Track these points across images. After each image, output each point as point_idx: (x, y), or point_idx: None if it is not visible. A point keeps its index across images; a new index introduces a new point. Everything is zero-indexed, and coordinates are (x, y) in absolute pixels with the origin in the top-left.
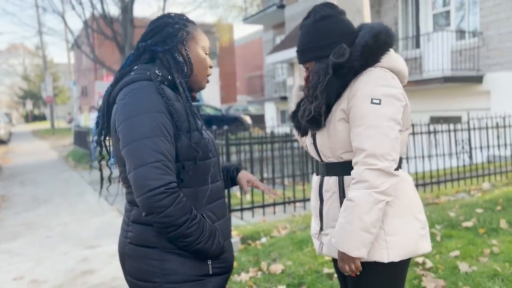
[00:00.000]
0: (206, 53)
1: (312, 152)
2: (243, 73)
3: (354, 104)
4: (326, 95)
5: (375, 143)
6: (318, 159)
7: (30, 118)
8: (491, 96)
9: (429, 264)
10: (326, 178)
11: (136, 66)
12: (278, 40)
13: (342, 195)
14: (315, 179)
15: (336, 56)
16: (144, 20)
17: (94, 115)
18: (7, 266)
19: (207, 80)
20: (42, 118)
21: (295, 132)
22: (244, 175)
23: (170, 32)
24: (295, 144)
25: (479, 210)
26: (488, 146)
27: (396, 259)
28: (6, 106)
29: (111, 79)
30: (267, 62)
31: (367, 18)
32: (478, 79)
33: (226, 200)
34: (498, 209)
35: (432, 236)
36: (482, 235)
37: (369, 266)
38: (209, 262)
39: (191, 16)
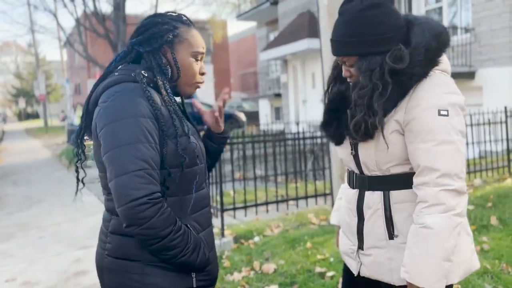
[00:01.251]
0: (198, 59)
1: (350, 164)
2: (237, 69)
3: (417, 117)
4: (383, 106)
5: (449, 161)
6: (357, 171)
7: (23, 116)
8: (483, 92)
9: None
10: (367, 193)
11: (121, 66)
12: (272, 36)
13: (388, 213)
14: (350, 193)
15: (393, 59)
16: (137, 17)
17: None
18: None
19: (196, 86)
20: (35, 116)
21: (329, 140)
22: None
23: (155, 32)
24: (288, 142)
25: (470, 207)
26: (479, 142)
27: (456, 281)
28: None
29: None
30: (260, 59)
31: None
32: (470, 75)
33: (219, 198)
34: (489, 206)
35: None
36: (473, 232)
37: None
38: (193, 275)
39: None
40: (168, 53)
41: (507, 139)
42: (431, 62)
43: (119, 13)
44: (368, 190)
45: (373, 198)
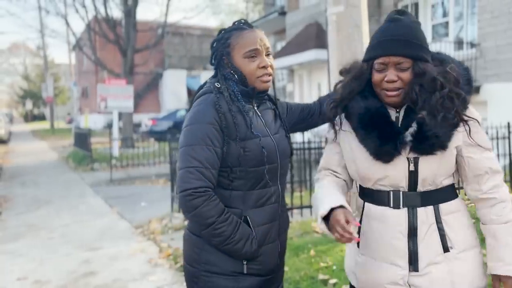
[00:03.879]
0: (253, 56)
1: (401, 182)
2: None
3: (477, 131)
4: (457, 120)
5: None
6: (405, 189)
7: (30, 117)
8: (488, 107)
9: None
10: (420, 210)
11: (209, 80)
12: (279, 46)
13: (441, 226)
14: (393, 213)
15: (456, 73)
16: (147, 24)
17: (95, 116)
18: (10, 266)
19: (262, 80)
20: (41, 118)
21: (374, 157)
22: None
23: (215, 49)
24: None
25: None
26: None
27: None
28: (6, 105)
29: (112, 82)
30: None
31: (366, 34)
32: (475, 90)
33: None
34: None
35: None
36: None
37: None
38: (244, 262)
39: (193, 21)
40: (226, 61)
41: (510, 154)
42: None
43: (130, 20)
44: (421, 206)
45: (427, 214)
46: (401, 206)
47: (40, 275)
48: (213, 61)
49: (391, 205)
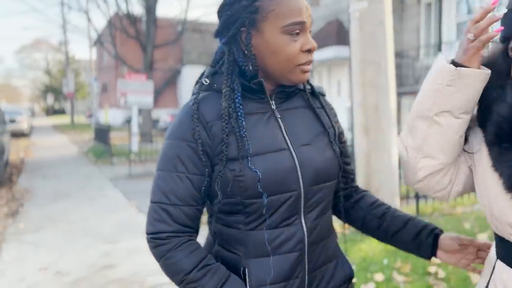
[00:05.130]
0: (295, 33)
1: None
2: None
3: None
4: None
5: None
6: None
7: (51, 111)
8: None
9: (441, 274)
10: None
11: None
12: None
13: None
14: None
15: None
16: (168, 21)
17: (114, 112)
18: (32, 256)
19: (302, 70)
20: (61, 112)
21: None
22: (446, 238)
23: (230, 12)
24: None
25: None
26: None
27: None
28: (28, 99)
29: (132, 77)
30: None
31: (390, 31)
32: None
33: None
34: None
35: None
36: None
37: None
38: None
39: (212, 17)
40: (246, 37)
41: None
42: None
43: (150, 16)
44: None
45: None
46: None
47: (61, 267)
48: (223, 32)
49: None
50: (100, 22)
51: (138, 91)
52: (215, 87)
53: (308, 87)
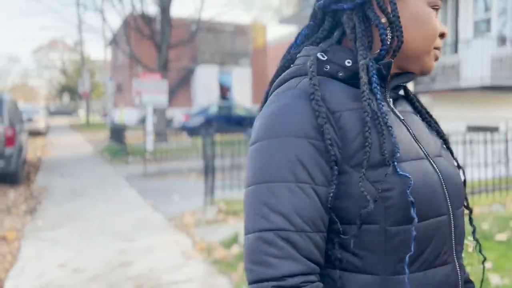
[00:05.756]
0: (436, 9)
1: None
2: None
3: None
4: None
5: None
6: None
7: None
8: None
9: None
10: None
11: (306, 47)
12: None
13: None
14: None
15: None
16: (182, 20)
17: (129, 111)
18: (50, 254)
19: (437, 56)
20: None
21: None
22: None
23: None
24: None
25: None
26: None
27: None
28: (44, 98)
29: (147, 76)
30: None
31: None
32: None
33: None
34: None
35: (464, 247)
36: None
37: None
38: None
39: (226, 18)
40: (385, 3)
41: None
42: None
43: (165, 16)
44: None
45: None
46: None
47: (78, 263)
48: None
49: None
50: (115, 22)
51: (153, 90)
52: (328, 69)
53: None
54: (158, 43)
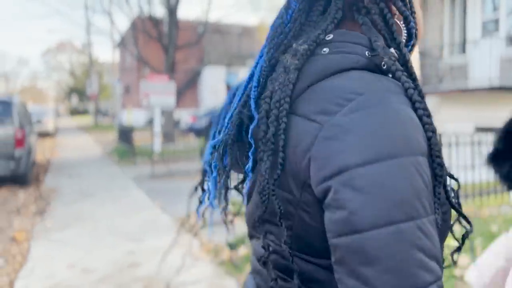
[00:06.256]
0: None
1: None
2: None
3: None
4: None
5: None
6: None
7: (75, 112)
8: None
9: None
10: None
11: (337, 30)
12: None
13: None
14: None
15: None
16: (189, 22)
17: (137, 112)
18: (59, 254)
19: None
20: (85, 112)
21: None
22: None
23: None
24: None
25: None
26: None
27: None
28: (53, 100)
29: (155, 78)
30: None
31: None
32: None
33: None
34: None
35: (473, 249)
36: None
37: None
38: None
39: (233, 19)
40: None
41: None
42: None
43: (172, 18)
44: None
45: None
46: None
47: (87, 264)
48: None
49: None
50: (123, 24)
51: (160, 92)
52: (386, 68)
53: None
54: (165, 45)
